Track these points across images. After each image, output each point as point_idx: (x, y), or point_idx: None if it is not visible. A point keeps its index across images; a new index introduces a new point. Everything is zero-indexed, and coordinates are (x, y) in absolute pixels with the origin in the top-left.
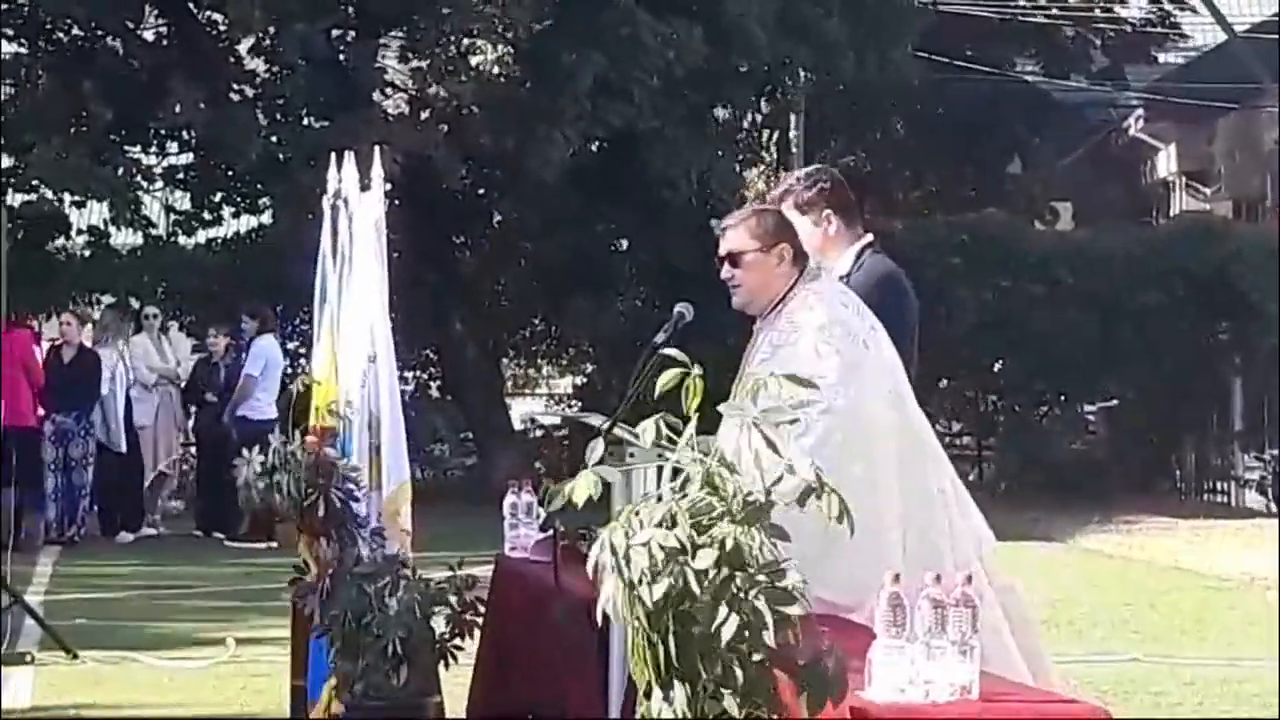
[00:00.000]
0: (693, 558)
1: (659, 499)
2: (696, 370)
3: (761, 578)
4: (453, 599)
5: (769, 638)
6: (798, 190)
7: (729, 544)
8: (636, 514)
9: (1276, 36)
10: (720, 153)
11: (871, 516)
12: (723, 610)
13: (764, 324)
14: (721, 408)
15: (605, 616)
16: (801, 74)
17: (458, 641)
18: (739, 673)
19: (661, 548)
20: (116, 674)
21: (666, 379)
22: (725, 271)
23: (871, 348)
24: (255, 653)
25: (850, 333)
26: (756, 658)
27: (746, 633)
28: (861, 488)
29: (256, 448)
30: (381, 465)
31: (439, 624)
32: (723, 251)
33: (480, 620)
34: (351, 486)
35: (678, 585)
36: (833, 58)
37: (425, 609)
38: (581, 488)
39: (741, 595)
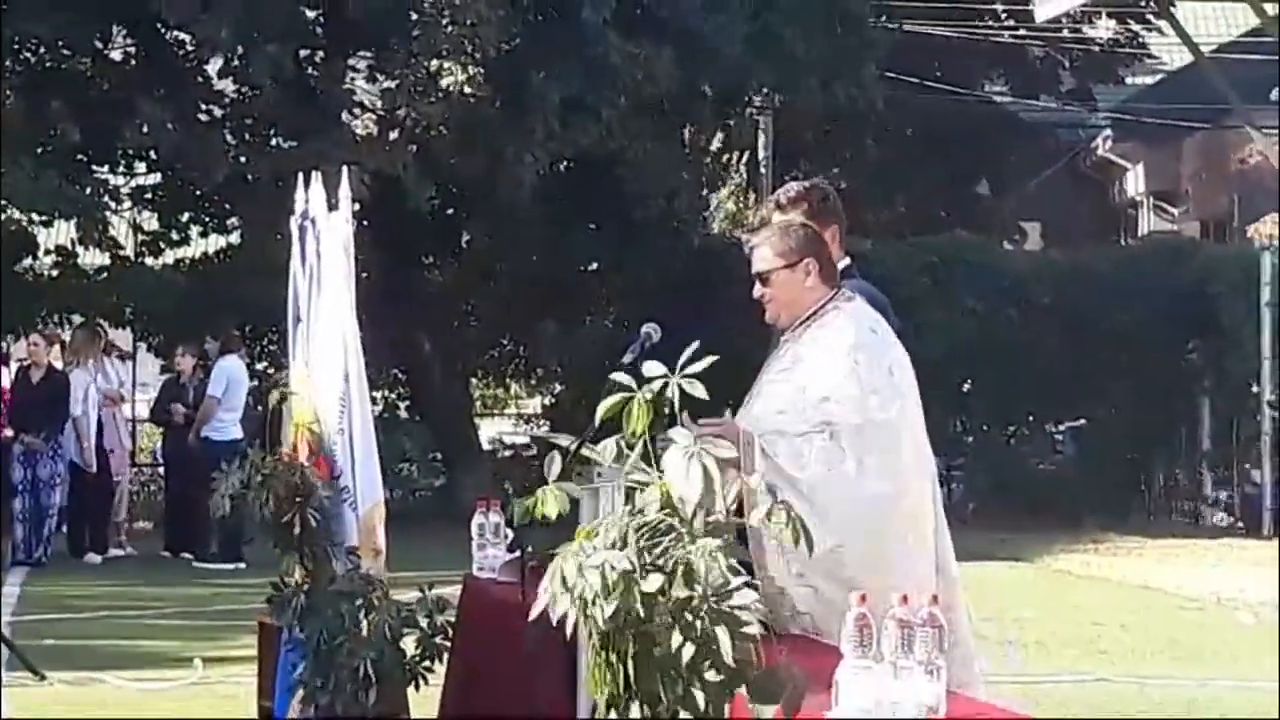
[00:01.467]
0: (642, 578)
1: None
2: (641, 394)
3: (713, 599)
4: (423, 622)
5: (726, 656)
6: (814, 200)
7: (679, 568)
8: (592, 537)
9: (1244, 57)
10: (689, 173)
11: (882, 541)
12: (678, 634)
13: (790, 337)
14: (672, 432)
15: (574, 636)
16: (770, 95)
17: (428, 664)
18: (698, 694)
19: (613, 568)
20: (84, 695)
21: (608, 406)
22: (756, 290)
23: (896, 373)
24: (223, 673)
25: (874, 359)
26: (716, 678)
27: (705, 653)
28: (875, 514)
29: (235, 462)
30: (356, 485)
31: (409, 645)
32: (753, 270)
33: (449, 643)
34: (327, 504)
35: (627, 606)
36: (802, 78)
37: (397, 631)
38: (551, 502)
39: (695, 617)
